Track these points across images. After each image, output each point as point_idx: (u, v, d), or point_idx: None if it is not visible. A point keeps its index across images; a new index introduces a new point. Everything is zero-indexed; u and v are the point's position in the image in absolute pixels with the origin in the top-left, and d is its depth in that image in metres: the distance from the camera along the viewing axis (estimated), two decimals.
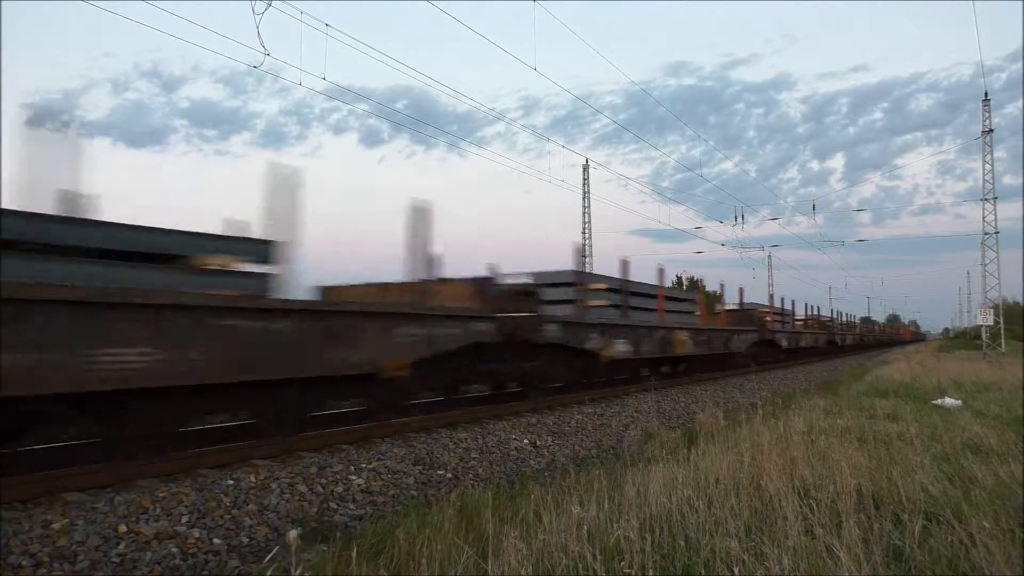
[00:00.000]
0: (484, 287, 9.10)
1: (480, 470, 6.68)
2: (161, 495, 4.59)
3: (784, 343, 23.98)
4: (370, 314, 6.61)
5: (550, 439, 8.17)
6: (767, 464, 4.89)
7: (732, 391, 15.00)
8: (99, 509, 4.27)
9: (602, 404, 10.70)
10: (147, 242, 5.40)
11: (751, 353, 20.14)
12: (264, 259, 6.08)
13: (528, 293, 10.03)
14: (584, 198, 35.82)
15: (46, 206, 4.90)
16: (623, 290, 12.67)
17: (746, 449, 5.81)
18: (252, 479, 5.15)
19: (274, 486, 5.15)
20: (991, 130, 33.38)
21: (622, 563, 3.19)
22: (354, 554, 3.37)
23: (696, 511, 3.93)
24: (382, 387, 7.01)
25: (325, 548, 3.99)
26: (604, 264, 39.43)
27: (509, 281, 10.16)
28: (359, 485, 5.60)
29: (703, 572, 3.15)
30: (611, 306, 12.23)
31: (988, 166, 33.44)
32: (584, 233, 35.91)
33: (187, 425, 6.01)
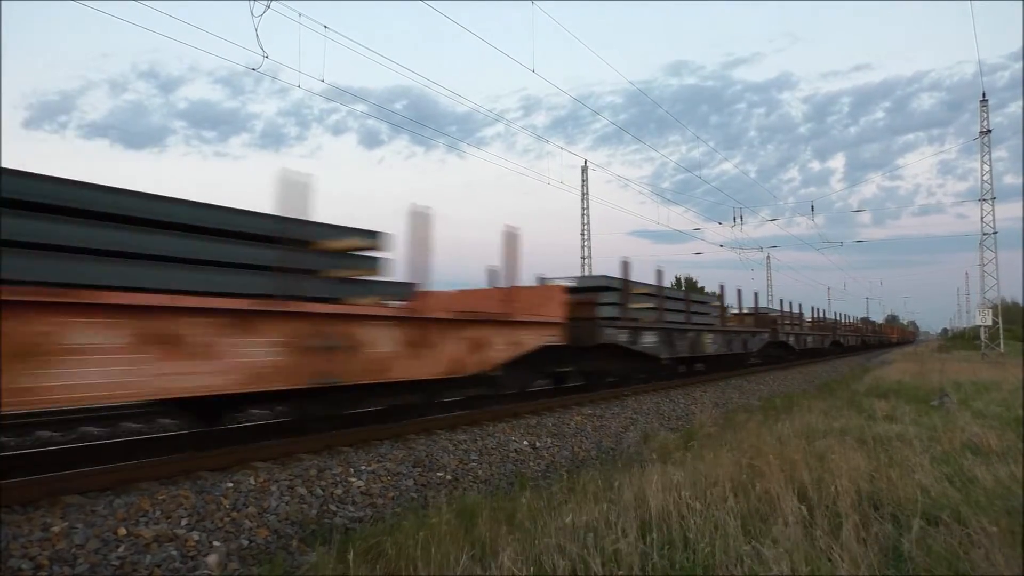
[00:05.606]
0: (556, 296, 10.48)
1: (480, 472, 6.68)
2: (161, 497, 4.59)
3: (794, 344, 25.95)
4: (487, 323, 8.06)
5: (550, 440, 8.17)
6: (765, 466, 4.90)
7: (731, 392, 14.99)
8: (99, 512, 4.26)
9: (601, 405, 10.70)
10: (276, 229, 5.94)
11: (763, 353, 22.36)
12: (377, 247, 6.93)
13: (590, 302, 11.31)
14: (583, 199, 35.86)
15: None
16: (658, 295, 14.05)
17: (745, 450, 5.81)
18: (251, 481, 5.15)
19: (273, 488, 5.15)
20: (989, 130, 33.43)
21: (621, 565, 3.20)
22: (351, 556, 3.37)
23: (695, 512, 3.93)
24: (481, 383, 8.45)
25: (324, 550, 3.99)
26: (603, 265, 39.39)
27: (564, 285, 11.44)
28: (359, 487, 5.60)
29: (702, 574, 3.15)
30: (649, 309, 13.64)
31: (987, 166, 33.50)
32: (583, 235, 35.95)
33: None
